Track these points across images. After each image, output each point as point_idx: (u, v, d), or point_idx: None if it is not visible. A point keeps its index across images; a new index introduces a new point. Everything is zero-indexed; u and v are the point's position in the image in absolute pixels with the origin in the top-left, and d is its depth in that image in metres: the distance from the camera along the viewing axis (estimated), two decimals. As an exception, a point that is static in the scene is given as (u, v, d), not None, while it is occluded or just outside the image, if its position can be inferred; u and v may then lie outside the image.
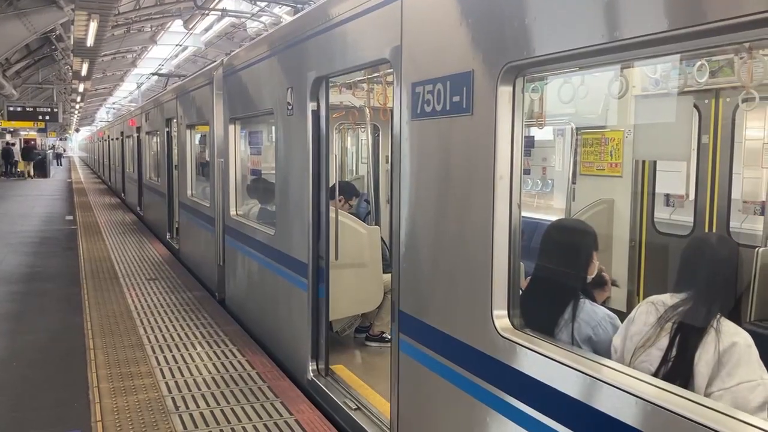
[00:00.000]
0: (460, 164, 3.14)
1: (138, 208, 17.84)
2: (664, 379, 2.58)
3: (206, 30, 27.39)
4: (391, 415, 3.86)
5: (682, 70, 4.62)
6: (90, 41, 15.11)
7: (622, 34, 2.27)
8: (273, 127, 6.00)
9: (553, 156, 7.89)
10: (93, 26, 13.67)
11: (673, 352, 2.63)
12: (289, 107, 5.28)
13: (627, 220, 5.52)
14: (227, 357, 6.08)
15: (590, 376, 2.46)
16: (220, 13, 20.07)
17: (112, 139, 28.10)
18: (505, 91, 2.84)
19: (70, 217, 17.92)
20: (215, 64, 8.42)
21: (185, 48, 29.13)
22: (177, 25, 25.54)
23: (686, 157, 4.30)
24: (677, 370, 2.61)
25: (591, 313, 3.04)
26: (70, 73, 24.57)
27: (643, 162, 5.45)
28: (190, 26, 23.57)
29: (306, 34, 4.97)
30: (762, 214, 4.79)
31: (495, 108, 2.86)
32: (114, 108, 52.73)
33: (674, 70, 4.75)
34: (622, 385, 2.32)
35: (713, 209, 5.10)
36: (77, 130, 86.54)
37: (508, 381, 2.86)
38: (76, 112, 51.10)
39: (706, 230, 5.13)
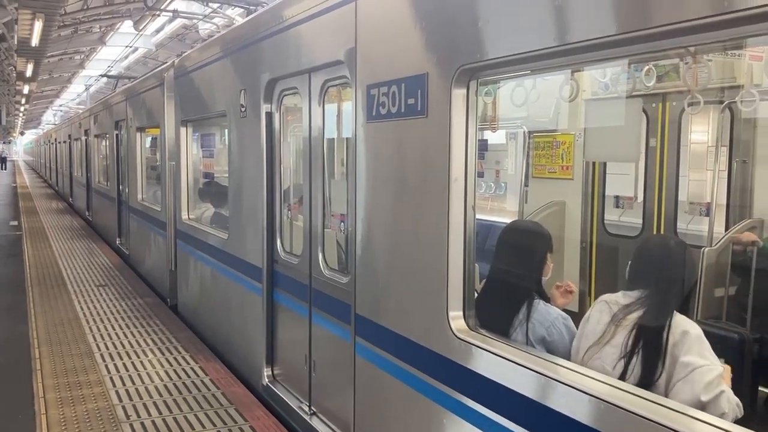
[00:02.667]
0: (416, 167, 3.15)
1: (87, 213, 17.42)
2: (623, 377, 2.63)
3: (157, 31, 26.94)
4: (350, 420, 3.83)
5: (630, 74, 4.73)
6: (35, 41, 14.63)
7: (573, 37, 2.31)
8: (226, 130, 5.92)
9: (507, 159, 7.99)
10: (38, 26, 13.24)
11: (634, 352, 2.67)
12: (243, 109, 5.21)
13: (578, 222, 5.63)
14: (180, 364, 5.95)
15: (545, 375, 2.48)
16: (171, 14, 19.78)
17: (60, 143, 27.37)
18: (459, 94, 2.86)
19: (15, 223, 17.58)
20: (166, 65, 8.27)
21: (135, 49, 28.54)
22: (127, 26, 24.96)
23: (635, 158, 4.40)
24: (640, 369, 2.65)
25: (545, 313, 3.08)
26: (14, 74, 23.67)
27: (594, 164, 5.56)
28: (141, 27, 23.10)
29: (260, 35, 4.92)
30: (707, 215, 4.94)
31: (449, 110, 2.87)
32: (61, 110, 51.34)
33: (623, 74, 4.87)
34: (577, 384, 2.35)
35: (661, 211, 5.23)
36: (22, 134, 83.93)
37: (464, 382, 2.87)
38: (21, 114, 49.54)
39: (655, 231, 5.26)
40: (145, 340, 6.67)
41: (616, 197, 5.82)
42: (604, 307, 2.84)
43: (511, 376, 2.62)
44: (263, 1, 8.98)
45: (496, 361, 2.70)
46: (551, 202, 5.76)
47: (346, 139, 3.93)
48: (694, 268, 3.22)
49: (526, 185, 6.11)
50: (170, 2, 19.62)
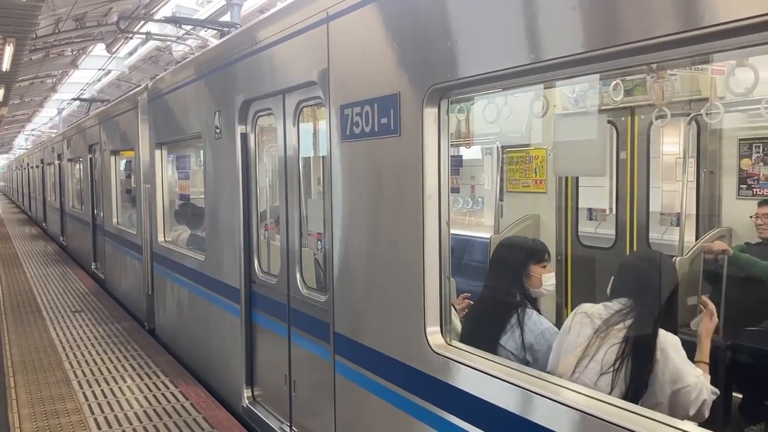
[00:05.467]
0: (390, 184, 3.19)
1: (61, 238, 17.21)
2: (612, 392, 2.67)
3: (130, 54, 26.88)
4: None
5: (599, 89, 4.84)
6: (6, 66, 14.56)
7: (540, 56, 2.37)
8: (201, 151, 5.92)
9: (482, 174, 8.08)
10: (9, 50, 13.17)
11: (621, 366, 2.70)
12: (217, 130, 5.23)
13: (553, 235, 5.70)
14: (159, 389, 5.89)
15: (521, 387, 2.51)
16: (144, 36, 19.72)
17: (32, 167, 27.06)
18: (430, 113, 2.91)
19: None
20: (140, 88, 8.27)
21: (108, 72, 28.35)
22: (99, 48, 24.87)
23: (601, 173, 4.50)
24: (630, 383, 2.69)
25: (537, 322, 3.15)
26: None
27: (566, 178, 5.65)
28: (114, 50, 23.08)
29: (233, 57, 4.95)
30: (678, 225, 5.05)
31: (421, 129, 2.92)
32: (33, 135, 50.71)
33: (592, 89, 4.97)
34: (555, 396, 2.38)
35: (633, 222, 5.32)
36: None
37: (443, 397, 2.89)
38: (-8, 139, 49.04)
39: (627, 242, 5.35)
40: (123, 366, 6.59)
41: (590, 210, 5.91)
42: (585, 320, 2.88)
43: (488, 389, 2.65)
44: (236, 23, 9.04)
45: (473, 375, 2.73)
46: (526, 215, 5.84)
47: (322, 158, 3.95)
48: (675, 281, 3.30)
49: (501, 199, 6.18)
50: (143, 25, 19.62)
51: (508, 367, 2.73)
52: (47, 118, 46.37)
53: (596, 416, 2.21)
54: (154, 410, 5.38)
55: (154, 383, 6.05)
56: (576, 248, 5.70)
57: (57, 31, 21.92)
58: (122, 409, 5.44)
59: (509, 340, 3.09)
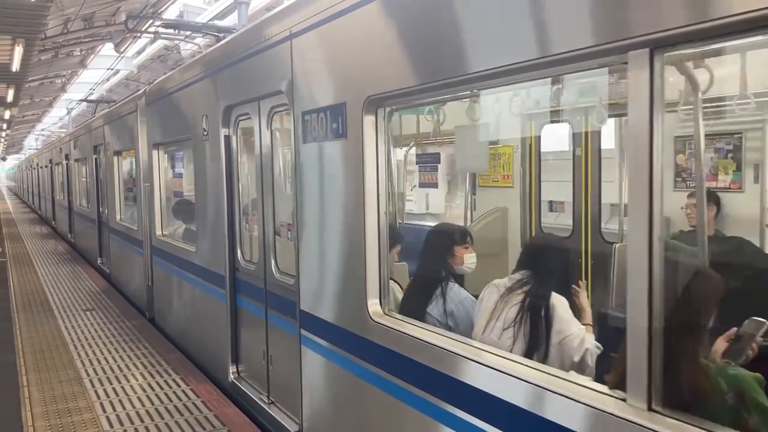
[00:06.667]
0: (340, 181, 3.87)
1: (69, 235, 18.17)
2: (511, 346, 3.33)
3: (138, 53, 27.39)
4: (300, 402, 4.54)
5: (555, 92, 5.47)
6: (15, 66, 15.00)
7: (456, 72, 2.97)
8: (191, 152, 6.67)
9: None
10: (18, 51, 13.59)
11: (520, 323, 3.38)
12: (205, 133, 5.96)
13: (518, 226, 6.35)
14: (170, 386, 6.08)
15: (440, 347, 3.16)
16: (152, 36, 20.40)
17: (41, 167, 28.15)
18: (369, 120, 3.58)
19: None
20: (140, 92, 9.06)
21: (117, 72, 29.06)
22: (108, 48, 25.47)
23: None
24: (529, 341, 3.36)
25: (457, 293, 3.86)
26: None
27: (530, 173, 6.29)
28: (122, 49, 23.76)
29: (217, 67, 5.68)
30: (626, 215, 5.67)
31: (362, 133, 3.59)
32: (43, 135, 51.86)
33: (549, 91, 5.61)
34: (466, 353, 3.01)
35: (588, 213, 5.94)
36: (4, 159, 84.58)
37: (380, 357, 3.57)
38: (3, 140, 50.21)
39: (583, 232, 5.97)
40: (134, 364, 6.81)
41: (550, 202, 6.55)
42: (493, 289, 3.58)
43: (414, 350, 3.31)
44: (233, 28, 9.75)
45: (402, 338, 3.40)
46: (495, 208, 6.49)
47: (290, 158, 4.65)
48: (568, 257, 4.00)
49: (474, 194, 6.84)
50: (151, 24, 20.36)
51: (429, 331, 3.40)
52: (57, 118, 47.39)
53: (498, 369, 2.81)
54: (165, 408, 5.55)
55: (165, 381, 6.24)
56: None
57: (66, 31, 22.61)
58: (133, 406, 5.61)
59: (434, 308, 3.77)
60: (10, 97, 20.68)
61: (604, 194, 5.85)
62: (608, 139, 5.94)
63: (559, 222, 6.54)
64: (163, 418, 5.33)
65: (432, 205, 9.56)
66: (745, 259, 4.41)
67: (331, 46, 3.92)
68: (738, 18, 1.88)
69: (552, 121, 5.96)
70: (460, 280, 4.05)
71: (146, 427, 5.16)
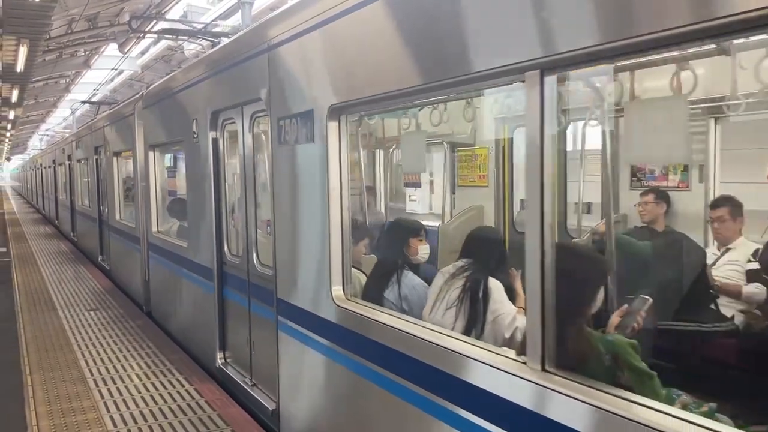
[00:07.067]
0: (308, 181, 4.42)
1: (72, 234, 18.97)
2: (456, 322, 3.86)
3: (142, 53, 27.86)
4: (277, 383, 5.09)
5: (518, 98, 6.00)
6: (20, 67, 15.64)
7: (402, 85, 3.49)
8: (183, 153, 7.26)
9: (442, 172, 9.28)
10: (23, 51, 14.11)
11: (460, 303, 3.92)
12: (195, 136, 6.54)
13: (493, 222, 6.88)
14: (174, 386, 6.23)
15: (393, 327, 3.68)
16: (155, 36, 20.91)
17: (45, 167, 28.96)
18: (333, 126, 4.12)
19: (3, 249, 18.30)
20: (137, 96, 9.69)
21: (121, 72, 29.59)
22: (112, 48, 25.96)
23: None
24: (468, 319, 3.90)
25: (411, 279, 4.42)
26: (0, 100, 24.82)
27: (503, 173, 6.82)
28: (126, 50, 24.36)
29: (205, 74, 6.26)
30: (588, 213, 6.19)
31: (326, 138, 4.13)
32: (47, 135, 52.63)
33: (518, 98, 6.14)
34: (414, 331, 3.52)
35: (555, 211, 6.44)
36: (8, 159, 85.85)
37: (343, 338, 4.11)
38: (7, 140, 51.05)
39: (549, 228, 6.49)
40: (138, 364, 6.95)
41: (522, 201, 7.06)
42: (440, 276, 4.13)
43: (371, 330, 3.84)
44: (228, 33, 10.33)
45: (361, 320, 3.93)
46: (471, 206, 7.02)
47: (268, 158, 5.20)
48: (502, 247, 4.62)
49: (453, 193, 7.38)
50: (155, 24, 20.92)
51: (383, 312, 3.94)
52: (61, 119, 48.13)
53: (437, 344, 3.33)
54: (169, 407, 5.70)
55: (169, 381, 6.40)
56: (512, 233, 6.86)
57: (70, 31, 23.10)
58: (137, 406, 5.74)
59: (390, 293, 4.31)
60: (14, 98, 21.31)
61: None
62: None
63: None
64: (166, 418, 5.47)
65: (434, 206, 10.12)
66: (677, 252, 4.92)
67: (301, 60, 4.47)
68: (604, 47, 2.39)
69: (522, 125, 6.49)
70: (415, 269, 4.58)
71: (150, 427, 5.30)
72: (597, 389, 2.51)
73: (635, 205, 5.50)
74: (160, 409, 5.66)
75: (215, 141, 6.17)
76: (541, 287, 2.71)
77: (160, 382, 6.37)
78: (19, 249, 18.05)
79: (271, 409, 5.16)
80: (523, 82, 2.74)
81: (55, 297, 10.87)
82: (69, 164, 18.95)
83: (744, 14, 1.93)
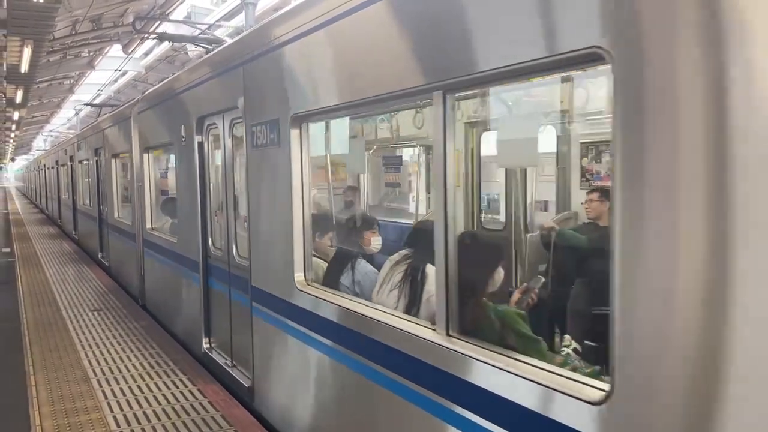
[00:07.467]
0: (276, 181, 5.15)
1: (74, 233, 20.07)
2: (398, 301, 4.57)
3: (146, 54, 28.38)
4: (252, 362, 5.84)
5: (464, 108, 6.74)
6: (24, 67, 15.91)
7: (351, 98, 4.21)
8: (174, 156, 8.06)
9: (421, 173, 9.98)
10: (27, 52, 14.35)
11: (404, 288, 4.63)
12: (183, 139, 7.32)
13: (462, 220, 7.57)
14: (178, 387, 6.41)
15: (344, 307, 4.39)
16: (156, 38, 21.51)
17: (48, 168, 30.03)
18: (294, 133, 4.85)
19: (7, 250, 18.93)
20: (134, 100, 10.54)
21: (125, 73, 30.26)
22: (116, 49, 26.38)
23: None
24: (408, 299, 4.61)
25: (364, 266, 5.13)
26: (4, 101, 25.45)
27: (472, 174, 7.52)
28: (130, 51, 25.01)
29: (190, 84, 7.03)
30: (545, 210, 6.91)
31: (289, 143, 4.86)
32: (52, 136, 53.34)
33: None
34: (361, 310, 4.23)
35: (517, 209, 7.16)
36: (13, 160, 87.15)
37: (303, 318, 4.84)
38: (11, 141, 51.99)
39: (513, 226, 7.19)
40: (141, 364, 7.14)
41: (488, 200, 7.77)
42: (387, 263, 4.83)
43: (326, 311, 4.56)
44: (223, 39, 11.07)
45: (317, 301, 4.66)
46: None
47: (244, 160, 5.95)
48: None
49: (429, 192, 8.10)
50: (158, 25, 21.59)
51: (336, 295, 4.66)
52: (65, 119, 48.73)
53: (378, 320, 4.05)
54: (173, 408, 5.86)
55: (172, 381, 6.58)
56: (478, 229, 7.58)
57: (74, 32, 23.54)
58: (141, 406, 5.91)
59: (345, 278, 5.03)
60: (18, 98, 21.61)
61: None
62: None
63: (495, 217, 7.76)
64: (170, 419, 5.64)
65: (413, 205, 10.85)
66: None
67: (269, 74, 5.21)
68: (489, 72, 3.08)
69: (488, 129, 7.20)
70: (370, 259, 5.31)
71: (153, 427, 5.45)
72: (488, 349, 3.21)
73: (582, 203, 6.19)
74: (164, 410, 5.84)
75: (201, 144, 6.95)
76: (445, 269, 3.43)
77: (164, 383, 6.56)
78: (23, 249, 18.55)
79: (247, 386, 5.92)
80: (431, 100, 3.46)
81: (59, 297, 11.19)
82: (71, 165, 19.98)
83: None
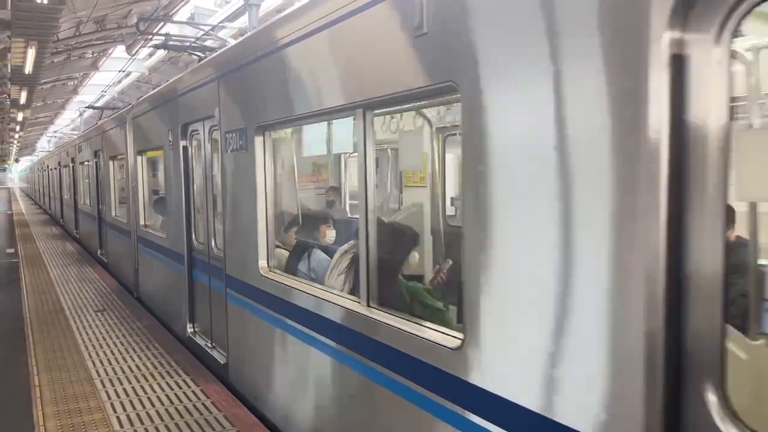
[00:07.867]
0: (244, 182, 6.08)
1: (75, 232, 21.32)
2: (345, 285, 5.48)
3: (150, 55, 29.36)
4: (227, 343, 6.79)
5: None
6: (28, 68, 16.51)
7: (300, 111, 5.10)
8: (163, 158, 9.07)
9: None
10: (31, 53, 14.88)
11: (349, 274, 5.54)
12: (170, 143, 8.30)
13: (430, 218, 8.48)
14: (180, 387, 6.57)
15: (298, 289, 5.29)
16: (163, 37, 22.24)
17: (51, 169, 31.29)
18: (258, 140, 5.78)
19: (11, 250, 19.52)
20: (130, 106, 11.60)
21: (129, 74, 31.12)
22: (119, 50, 27.29)
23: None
24: (352, 283, 5.52)
25: (318, 255, 6.02)
26: (8, 102, 26.21)
27: (438, 174, 8.43)
28: (133, 52, 25.83)
29: (177, 93, 8.01)
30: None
31: (254, 149, 5.79)
32: (56, 137, 54.03)
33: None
34: (313, 292, 5.11)
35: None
36: (17, 161, 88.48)
37: (265, 300, 5.77)
38: (16, 141, 53.06)
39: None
40: (144, 365, 7.35)
41: (452, 198, 8.66)
42: (338, 252, 5.74)
43: (285, 293, 5.47)
44: (216, 47, 12.01)
45: (277, 285, 5.58)
46: (413, 203, 8.65)
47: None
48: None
49: (401, 192, 9.05)
50: (162, 26, 22.29)
51: (292, 279, 5.59)
52: (69, 120, 49.42)
53: (323, 299, 4.95)
54: (176, 408, 6.02)
55: (175, 382, 6.76)
56: (445, 227, 8.47)
57: (78, 33, 23.85)
58: (144, 407, 6.06)
59: (303, 265, 5.95)
60: (23, 99, 22.45)
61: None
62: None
63: (457, 214, 8.68)
64: (173, 419, 5.80)
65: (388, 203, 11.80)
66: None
67: (237, 87, 6.16)
68: (398, 94, 3.96)
69: (452, 134, 8.11)
70: (326, 250, 6.24)
71: (156, 428, 5.60)
72: (399, 317, 4.12)
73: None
74: (167, 410, 5.99)
75: (185, 148, 7.93)
76: (366, 252, 4.34)
77: (167, 383, 6.73)
78: (27, 250, 19.20)
79: (222, 362, 6.88)
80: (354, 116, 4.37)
81: (63, 297, 11.57)
82: (72, 166, 21.21)
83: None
